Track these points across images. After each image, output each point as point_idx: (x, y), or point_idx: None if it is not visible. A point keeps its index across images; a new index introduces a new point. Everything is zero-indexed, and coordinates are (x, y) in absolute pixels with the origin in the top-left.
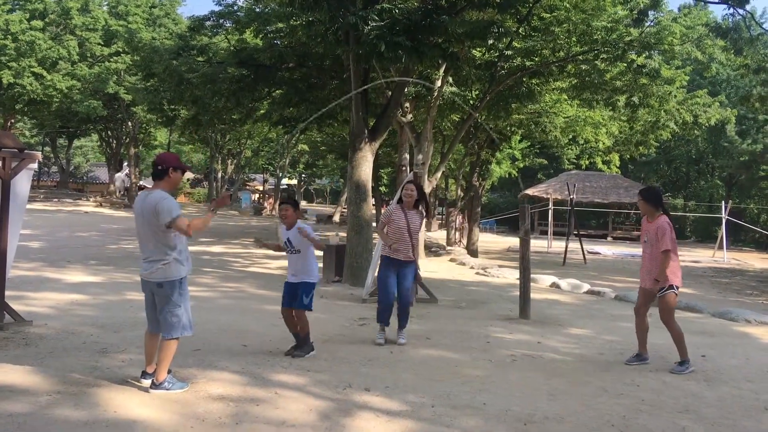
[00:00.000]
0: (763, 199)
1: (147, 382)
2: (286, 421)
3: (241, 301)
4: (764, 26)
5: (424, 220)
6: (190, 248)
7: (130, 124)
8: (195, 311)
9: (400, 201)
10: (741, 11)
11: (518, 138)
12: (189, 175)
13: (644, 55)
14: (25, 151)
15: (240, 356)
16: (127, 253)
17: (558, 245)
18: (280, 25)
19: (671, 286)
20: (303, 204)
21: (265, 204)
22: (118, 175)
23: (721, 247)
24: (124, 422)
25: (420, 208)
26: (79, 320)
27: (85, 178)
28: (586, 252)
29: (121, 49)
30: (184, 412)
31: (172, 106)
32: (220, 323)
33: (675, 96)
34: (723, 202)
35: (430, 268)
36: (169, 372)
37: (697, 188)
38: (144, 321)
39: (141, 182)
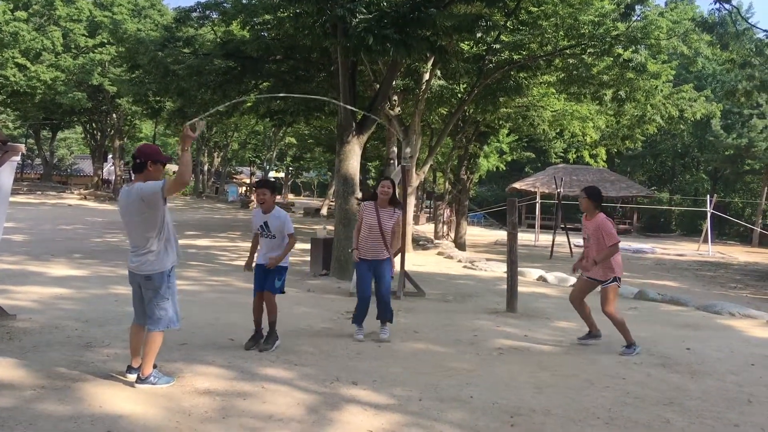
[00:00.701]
0: (747, 192)
1: (132, 377)
2: (273, 415)
3: (228, 294)
4: (750, 21)
5: (399, 217)
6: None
7: (114, 116)
8: (181, 305)
9: (375, 197)
10: (727, 6)
11: (506, 131)
12: (175, 167)
13: (631, 50)
14: (8, 143)
15: (227, 350)
16: (112, 246)
17: (545, 239)
18: (267, 16)
19: (615, 279)
20: (290, 197)
21: (252, 197)
22: (109, 168)
23: (706, 241)
24: (109, 417)
25: (395, 207)
26: (64, 314)
27: (69, 170)
28: (572, 245)
29: (105, 41)
30: (170, 407)
31: (158, 98)
32: (207, 317)
33: (661, 90)
34: (708, 195)
35: (417, 261)
36: (154, 366)
37: (683, 182)
38: (129, 315)
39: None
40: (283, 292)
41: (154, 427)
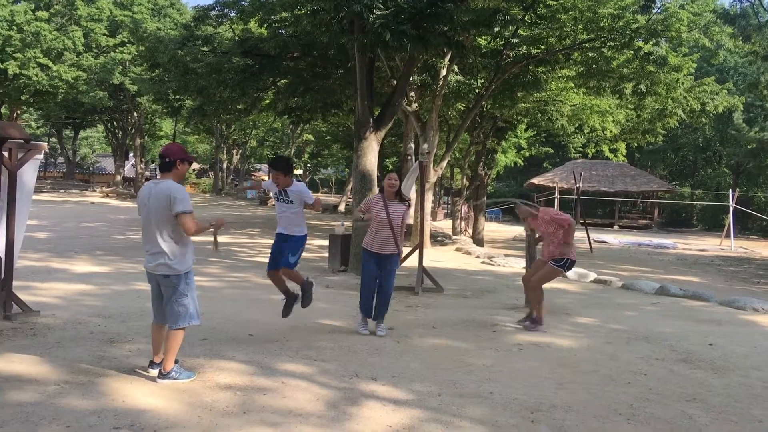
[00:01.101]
0: None
1: (154, 372)
2: (292, 410)
3: (247, 290)
4: None
5: (411, 209)
6: (194, 238)
7: (135, 114)
8: (201, 301)
9: (382, 190)
10: None
11: (524, 127)
12: (195, 165)
13: (651, 43)
14: (31, 141)
15: (246, 345)
16: (134, 243)
17: None
18: (285, 14)
19: (566, 262)
20: None
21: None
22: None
23: (728, 236)
24: (132, 411)
25: (402, 200)
26: (87, 310)
27: (91, 168)
28: (592, 241)
29: (126, 40)
30: (191, 401)
31: (177, 96)
32: (227, 313)
33: (682, 83)
34: (730, 190)
35: (435, 257)
36: (176, 362)
37: (704, 176)
38: (151, 311)
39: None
40: (296, 265)
41: (176, 421)
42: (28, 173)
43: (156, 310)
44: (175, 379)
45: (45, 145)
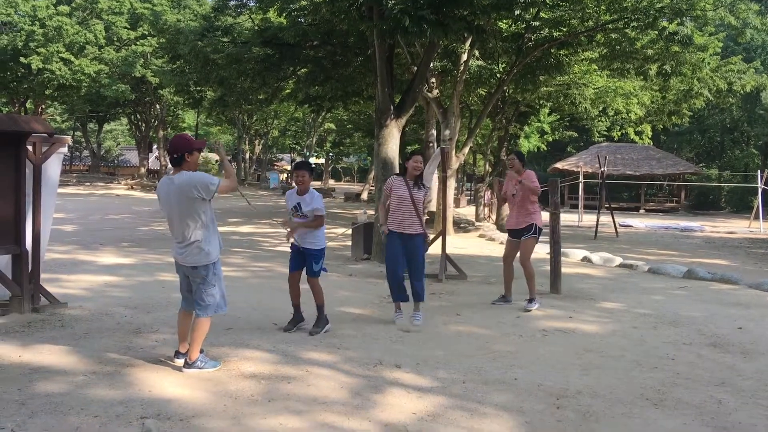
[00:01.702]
0: None
1: (180, 362)
2: (317, 398)
3: (271, 280)
4: None
5: (427, 193)
6: (220, 228)
7: (158, 106)
8: (227, 291)
9: (402, 174)
10: None
11: (547, 111)
12: (215, 156)
13: (676, 22)
14: (55, 135)
15: (271, 334)
16: (159, 234)
17: (589, 219)
18: (304, 2)
19: (535, 230)
20: (331, 183)
21: (291, 181)
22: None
23: (757, 218)
24: (159, 401)
25: (421, 184)
26: (113, 301)
27: (116, 161)
28: (618, 225)
29: (147, 32)
30: (217, 390)
31: (199, 88)
32: (251, 302)
33: (708, 63)
34: (759, 171)
35: (458, 244)
36: (201, 351)
37: (732, 158)
38: (176, 301)
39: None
40: (326, 271)
41: (202, 410)
42: (53, 167)
43: (185, 297)
44: (200, 368)
45: (69, 138)
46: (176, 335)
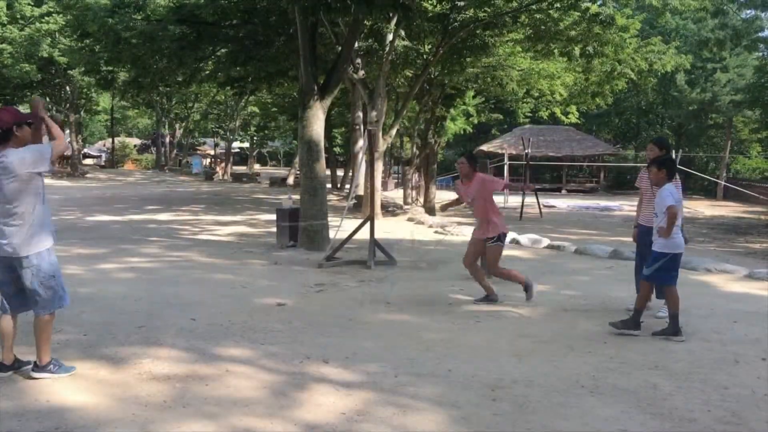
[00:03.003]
0: (711, 147)
1: (4, 375)
2: (237, 400)
3: (189, 270)
4: None
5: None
6: (134, 217)
7: (68, 88)
8: (138, 284)
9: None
10: None
11: (472, 94)
12: (136, 141)
13: (598, 3)
14: None
15: (188, 331)
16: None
17: (514, 200)
18: None
19: (499, 237)
20: (256, 167)
21: (217, 169)
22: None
23: None
24: (58, 411)
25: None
26: None
27: None
28: (542, 205)
29: (52, 9)
30: (124, 397)
31: (110, 68)
32: (166, 296)
33: (629, 44)
34: (672, 151)
35: (387, 228)
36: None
37: (647, 139)
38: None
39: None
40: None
41: (106, 419)
42: None
43: (7, 297)
44: (53, 372)
45: None
46: (78, 334)
